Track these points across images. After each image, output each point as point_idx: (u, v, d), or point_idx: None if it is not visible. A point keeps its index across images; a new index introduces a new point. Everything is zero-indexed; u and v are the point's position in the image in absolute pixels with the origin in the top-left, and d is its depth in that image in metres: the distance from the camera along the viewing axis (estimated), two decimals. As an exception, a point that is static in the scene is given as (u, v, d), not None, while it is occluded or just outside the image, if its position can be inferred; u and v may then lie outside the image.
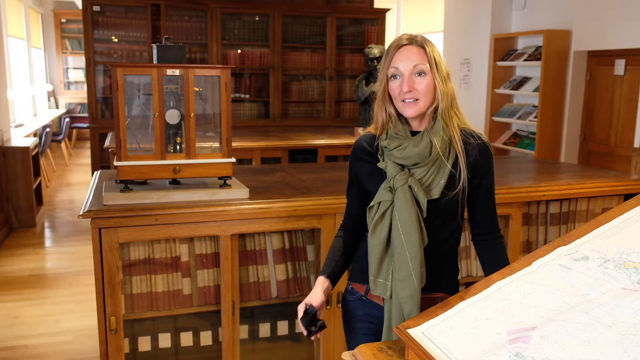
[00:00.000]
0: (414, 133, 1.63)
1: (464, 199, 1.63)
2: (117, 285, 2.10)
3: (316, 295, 1.68)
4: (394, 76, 1.58)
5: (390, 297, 1.58)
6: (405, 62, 1.56)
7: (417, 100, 1.56)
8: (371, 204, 1.62)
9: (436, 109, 1.59)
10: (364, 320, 1.70)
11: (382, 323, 1.62)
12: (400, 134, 1.60)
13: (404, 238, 1.55)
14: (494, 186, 1.70)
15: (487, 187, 1.66)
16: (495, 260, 1.66)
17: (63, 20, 11.29)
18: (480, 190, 1.65)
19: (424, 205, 1.55)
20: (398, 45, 1.58)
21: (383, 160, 1.61)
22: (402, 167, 1.59)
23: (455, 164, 1.59)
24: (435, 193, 1.57)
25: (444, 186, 1.57)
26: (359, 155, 1.71)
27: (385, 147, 1.60)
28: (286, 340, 2.48)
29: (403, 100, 1.57)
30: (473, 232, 1.73)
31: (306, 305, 1.64)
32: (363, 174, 1.70)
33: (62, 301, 3.93)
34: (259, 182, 2.55)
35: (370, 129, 1.71)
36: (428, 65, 1.55)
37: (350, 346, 1.70)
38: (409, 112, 1.58)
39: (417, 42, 1.57)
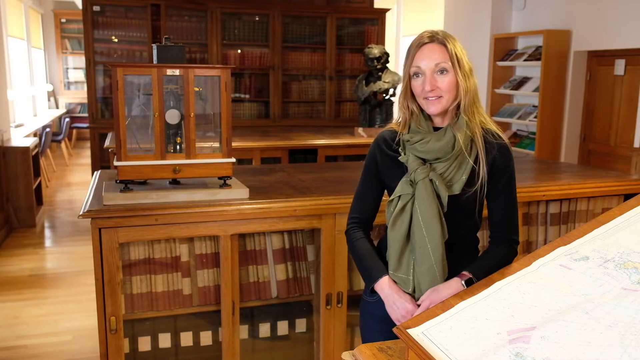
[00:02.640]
0: (436, 129, 1.62)
1: (482, 197, 1.62)
2: (117, 285, 2.10)
3: (406, 299, 1.60)
4: (417, 74, 1.57)
5: (413, 291, 1.58)
6: (427, 60, 1.55)
7: (440, 97, 1.55)
8: (391, 197, 1.61)
9: (459, 105, 1.58)
10: (385, 322, 1.65)
11: None
12: (423, 129, 1.60)
13: (425, 231, 1.54)
14: (514, 189, 1.65)
15: (504, 188, 1.63)
16: (495, 256, 1.61)
17: (63, 20, 11.29)
18: (497, 190, 1.63)
19: (445, 200, 1.55)
20: (419, 43, 1.57)
21: (404, 154, 1.60)
22: (424, 161, 1.58)
23: (476, 161, 1.58)
24: (457, 189, 1.56)
25: (465, 182, 1.56)
26: (380, 148, 1.70)
27: (407, 141, 1.60)
28: (286, 340, 2.48)
29: (426, 98, 1.56)
30: (490, 233, 1.70)
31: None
32: (384, 167, 1.69)
33: (62, 301, 3.93)
34: (259, 182, 2.55)
35: (392, 125, 1.70)
36: (450, 63, 1.54)
37: None
38: (432, 109, 1.57)
39: (439, 40, 1.56)
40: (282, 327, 2.45)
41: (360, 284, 2.45)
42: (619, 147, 5.17)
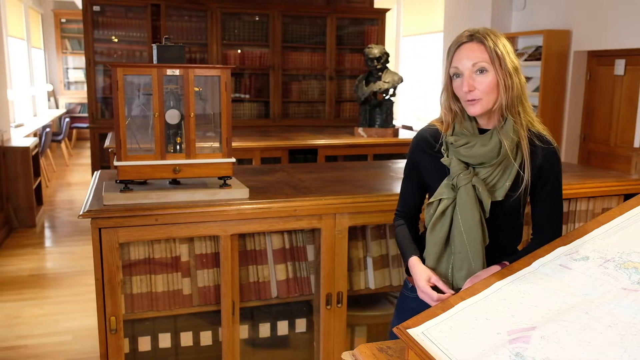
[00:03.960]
0: (481, 131, 1.59)
1: (525, 201, 1.60)
2: (117, 285, 2.10)
3: (425, 270, 1.60)
4: (456, 75, 1.54)
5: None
6: (464, 60, 1.51)
7: (479, 99, 1.51)
8: (431, 200, 1.59)
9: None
10: None
11: None
12: (468, 131, 1.57)
13: (466, 238, 1.52)
14: (559, 193, 1.63)
15: (549, 193, 1.60)
16: (531, 246, 1.58)
17: (63, 20, 11.29)
18: (542, 195, 1.60)
19: (488, 206, 1.52)
20: (458, 43, 1.54)
21: (447, 156, 1.58)
22: (467, 165, 1.55)
23: (521, 166, 1.55)
24: (500, 195, 1.54)
25: (509, 188, 1.54)
26: (421, 147, 1.67)
27: (452, 144, 1.56)
28: (286, 340, 2.48)
29: (467, 100, 1.53)
30: (532, 230, 1.68)
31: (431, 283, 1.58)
32: (425, 167, 1.67)
33: (62, 301, 3.94)
34: (259, 182, 2.55)
35: (435, 122, 1.67)
36: (489, 62, 1.50)
37: None
38: (472, 110, 1.53)
39: (477, 38, 1.52)
40: (282, 327, 2.45)
41: (360, 284, 2.45)
42: (619, 147, 5.17)
